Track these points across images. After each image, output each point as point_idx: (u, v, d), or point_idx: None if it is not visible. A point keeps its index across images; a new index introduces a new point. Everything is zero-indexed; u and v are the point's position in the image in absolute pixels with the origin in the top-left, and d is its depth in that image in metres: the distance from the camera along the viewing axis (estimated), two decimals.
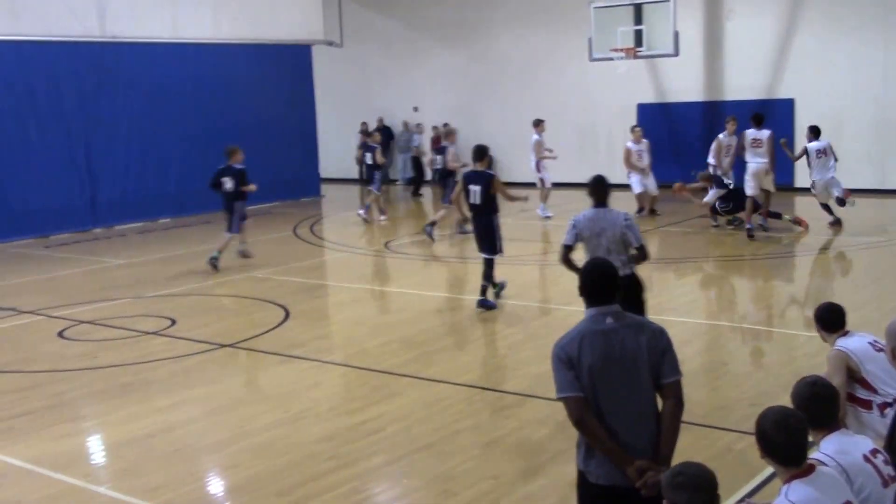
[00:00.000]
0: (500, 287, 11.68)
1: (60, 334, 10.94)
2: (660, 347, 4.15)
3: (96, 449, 7.62)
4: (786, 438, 3.59)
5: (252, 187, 14.38)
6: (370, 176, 19.82)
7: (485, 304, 11.26)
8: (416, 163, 26.11)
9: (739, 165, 16.28)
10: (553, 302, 12.02)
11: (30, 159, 18.81)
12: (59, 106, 19.22)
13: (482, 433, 7.20)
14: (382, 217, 19.61)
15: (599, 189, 7.88)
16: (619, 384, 4.08)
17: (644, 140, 18.72)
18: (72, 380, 9.17)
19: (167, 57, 21.08)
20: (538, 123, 18.90)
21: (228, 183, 14.25)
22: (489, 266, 11.27)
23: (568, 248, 7.84)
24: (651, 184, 18.55)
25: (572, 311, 10.66)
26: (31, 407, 8.33)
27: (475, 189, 11.10)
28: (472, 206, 11.29)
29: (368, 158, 19.74)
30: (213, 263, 14.24)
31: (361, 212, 19.72)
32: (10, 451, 7.26)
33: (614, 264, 7.35)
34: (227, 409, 8.08)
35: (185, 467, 6.87)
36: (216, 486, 6.80)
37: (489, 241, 11.21)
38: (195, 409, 8.15)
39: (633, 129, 19.11)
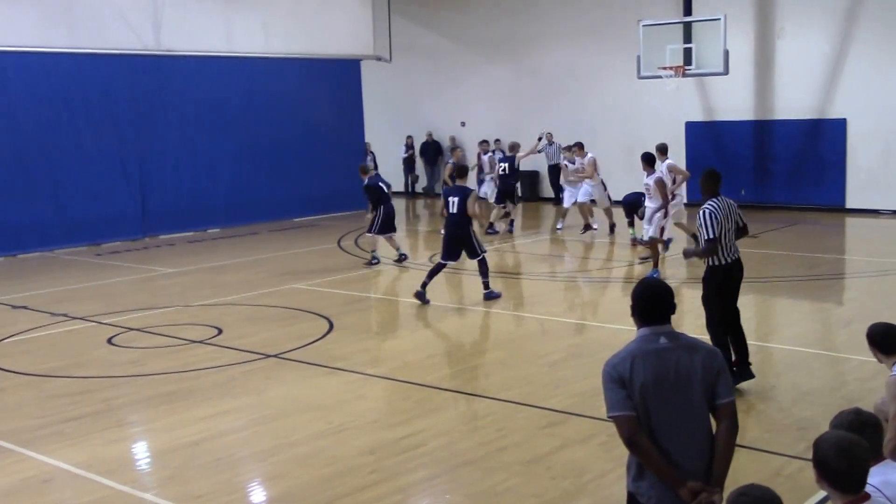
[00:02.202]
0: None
1: (110, 341, 11.10)
2: (714, 368, 4.08)
3: (142, 455, 7.72)
4: (848, 466, 3.50)
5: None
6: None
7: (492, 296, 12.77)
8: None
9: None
10: (596, 320, 11.96)
11: (84, 169, 19.19)
12: (113, 117, 19.62)
13: (525, 451, 7.15)
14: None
15: (717, 179, 8.55)
16: (672, 404, 4.01)
17: (588, 154, 18.64)
18: (120, 386, 9.30)
19: (220, 70, 21.47)
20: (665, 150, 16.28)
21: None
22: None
23: (717, 240, 8.31)
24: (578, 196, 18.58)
25: (615, 329, 10.62)
26: (80, 412, 8.47)
27: (454, 199, 12.76)
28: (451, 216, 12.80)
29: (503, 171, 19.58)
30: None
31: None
32: (59, 455, 7.38)
33: (736, 251, 8.31)
34: (271, 420, 8.14)
35: (228, 476, 6.92)
36: (258, 495, 6.84)
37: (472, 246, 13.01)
38: (239, 418, 8.21)
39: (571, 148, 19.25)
